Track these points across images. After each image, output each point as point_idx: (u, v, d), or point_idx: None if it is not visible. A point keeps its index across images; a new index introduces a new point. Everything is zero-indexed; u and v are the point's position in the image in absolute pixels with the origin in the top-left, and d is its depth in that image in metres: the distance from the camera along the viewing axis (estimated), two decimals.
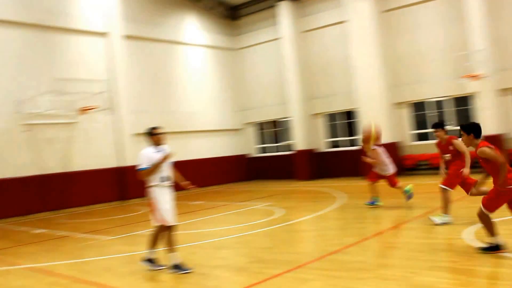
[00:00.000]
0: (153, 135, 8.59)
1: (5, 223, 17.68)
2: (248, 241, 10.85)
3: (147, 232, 11.74)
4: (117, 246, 11.44)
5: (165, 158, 8.34)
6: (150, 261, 8.62)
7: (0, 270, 9.81)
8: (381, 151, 13.52)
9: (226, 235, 11.65)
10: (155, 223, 8.51)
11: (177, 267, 8.23)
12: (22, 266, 9.95)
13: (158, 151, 8.46)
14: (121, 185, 21.95)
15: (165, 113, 24.77)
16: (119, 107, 22.46)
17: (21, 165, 19.18)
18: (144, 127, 21.74)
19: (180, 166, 24.42)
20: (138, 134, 22.97)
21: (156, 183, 8.42)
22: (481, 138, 8.03)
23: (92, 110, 19.75)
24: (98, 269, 9.25)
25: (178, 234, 12.19)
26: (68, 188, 20.23)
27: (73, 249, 11.52)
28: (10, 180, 18.84)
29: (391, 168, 13.60)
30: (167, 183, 8.56)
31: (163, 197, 8.42)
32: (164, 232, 8.48)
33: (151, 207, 8.45)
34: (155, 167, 8.30)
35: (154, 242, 8.64)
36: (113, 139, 22.10)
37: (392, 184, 13.61)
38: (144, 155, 8.34)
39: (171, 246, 8.40)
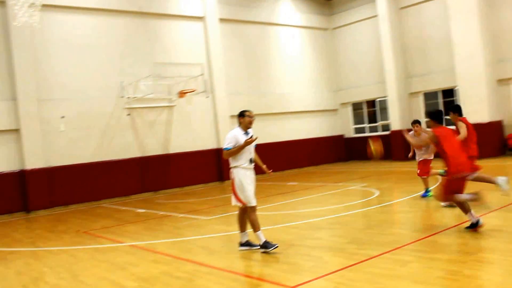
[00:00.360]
0: (244, 118, 8.73)
1: (109, 203, 18.53)
2: (345, 222, 10.77)
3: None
4: (215, 225, 11.68)
5: (250, 141, 8.40)
6: (246, 244, 8.80)
7: (105, 247, 10.31)
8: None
9: (322, 215, 11.62)
10: (235, 204, 8.66)
11: (265, 246, 8.37)
12: (125, 244, 10.38)
13: (245, 133, 8.60)
14: (219, 166, 22.39)
15: (260, 95, 24.98)
16: (216, 90, 22.85)
17: (124, 147, 19.99)
18: (239, 109, 22.06)
19: (275, 148, 24.77)
20: (234, 116, 23.42)
21: (241, 165, 8.56)
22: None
23: (190, 93, 20.19)
24: (197, 248, 9.48)
25: (275, 215, 12.36)
26: (167, 170, 20.88)
27: (173, 228, 11.87)
28: (114, 162, 19.67)
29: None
30: (251, 165, 8.67)
31: (246, 178, 8.56)
32: (246, 213, 8.63)
33: (234, 188, 8.59)
34: (239, 149, 8.44)
35: (242, 224, 8.81)
36: (210, 121, 22.55)
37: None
38: (232, 136, 8.53)
39: (255, 226, 8.53)
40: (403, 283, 6.14)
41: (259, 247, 8.54)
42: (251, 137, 8.51)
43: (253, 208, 8.55)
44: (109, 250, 10.00)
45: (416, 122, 12.92)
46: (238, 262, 8.09)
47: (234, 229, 10.59)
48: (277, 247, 8.35)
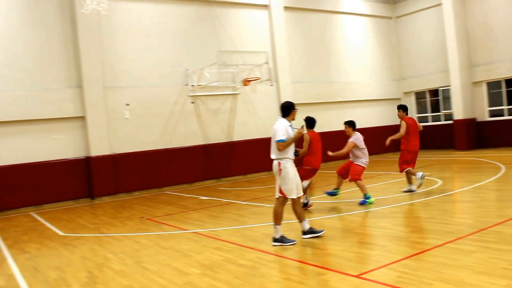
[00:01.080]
0: (293, 110, 8.73)
1: (173, 190, 18.80)
2: (408, 211, 10.62)
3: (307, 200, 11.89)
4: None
5: (300, 134, 8.42)
6: (310, 231, 8.79)
7: (169, 234, 10.47)
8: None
9: (385, 204, 11.46)
10: (277, 195, 8.64)
11: (312, 232, 8.73)
12: (189, 231, 10.51)
13: (290, 125, 8.59)
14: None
15: (323, 83, 24.82)
16: (280, 78, 22.81)
17: (187, 135, 20.23)
18: (303, 97, 21.98)
19: (340, 136, 24.62)
20: (298, 104, 23.32)
21: (289, 157, 8.56)
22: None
23: (255, 81, 20.21)
24: (261, 235, 9.50)
25: (338, 203, 12.28)
26: (230, 157, 21.01)
27: (236, 216, 11.95)
28: (178, 150, 19.93)
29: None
30: (294, 157, 8.70)
31: (293, 170, 8.57)
32: (285, 205, 8.68)
33: (281, 180, 8.54)
34: (292, 140, 8.47)
35: (298, 215, 8.81)
36: (274, 109, 22.53)
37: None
38: (283, 128, 8.48)
39: (301, 216, 8.70)
40: (466, 273, 6.07)
41: (321, 232, 8.72)
42: (302, 127, 8.56)
43: (298, 200, 8.63)
44: (172, 237, 10.14)
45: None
46: (302, 251, 8.07)
47: (295, 217, 10.57)
48: (323, 233, 8.72)
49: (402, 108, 13.57)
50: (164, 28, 20.14)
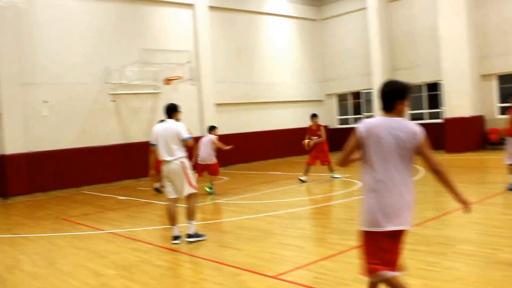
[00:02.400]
0: (177, 111, 9.05)
1: (90, 189, 18.34)
2: (327, 212, 10.78)
3: (227, 201, 11.90)
4: (200, 214, 11.56)
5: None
6: (197, 234, 8.86)
7: (85, 234, 10.22)
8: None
9: (305, 205, 11.60)
10: (190, 191, 8.77)
11: (197, 235, 8.81)
12: (105, 231, 10.29)
13: None
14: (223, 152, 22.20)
15: (247, 84, 24.88)
16: (202, 78, 22.69)
17: (107, 133, 19.79)
18: (225, 98, 21.99)
19: (261, 137, 24.76)
20: (220, 104, 23.31)
21: (184, 155, 8.77)
22: None
23: (177, 80, 20.03)
24: None
25: (257, 204, 12.33)
26: (150, 157, 20.66)
27: (154, 216, 11.82)
28: (97, 148, 19.49)
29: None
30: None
31: (190, 167, 8.88)
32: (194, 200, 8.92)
33: (187, 178, 8.68)
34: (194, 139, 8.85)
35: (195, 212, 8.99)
36: (196, 109, 22.42)
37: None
38: (184, 126, 8.74)
39: (194, 213, 8.89)
40: None
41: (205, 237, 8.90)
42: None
43: (196, 195, 8.99)
44: (88, 237, 9.91)
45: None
46: (219, 251, 8.04)
47: (213, 218, 10.57)
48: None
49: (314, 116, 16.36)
50: (85, 25, 19.60)
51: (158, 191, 15.54)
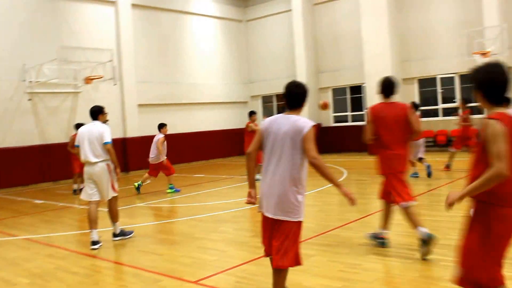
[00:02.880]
0: (102, 114, 9.15)
1: (5, 193, 17.54)
2: (250, 216, 10.70)
3: (147, 204, 11.63)
4: (121, 218, 11.21)
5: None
6: (122, 232, 9.06)
7: None
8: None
9: (228, 208, 11.50)
10: (113, 195, 8.84)
11: (123, 234, 9.01)
12: (19, 237, 9.82)
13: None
14: (124, 157, 21.77)
15: (171, 84, 24.54)
16: (125, 77, 22.21)
17: (24, 134, 19.00)
18: (149, 98, 21.69)
19: (184, 138, 24.50)
20: (142, 105, 22.88)
21: (109, 158, 8.75)
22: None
23: (98, 79, 19.48)
24: None
25: (180, 207, 12.13)
26: (70, 158, 19.98)
27: (73, 221, 11.43)
28: (13, 149, 18.68)
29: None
30: None
31: (113, 170, 8.82)
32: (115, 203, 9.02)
33: (111, 181, 8.79)
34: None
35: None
36: (118, 110, 21.90)
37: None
38: (109, 131, 8.77)
39: (116, 216, 9.02)
40: (304, 276, 6.22)
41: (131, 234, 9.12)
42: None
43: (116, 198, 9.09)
44: (0, 244, 9.40)
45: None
46: (140, 257, 7.81)
47: (134, 222, 10.30)
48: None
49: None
50: (0, 19, 18.79)
51: (76, 192, 15.63)
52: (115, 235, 8.94)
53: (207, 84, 26.55)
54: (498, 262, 3.76)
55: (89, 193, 8.74)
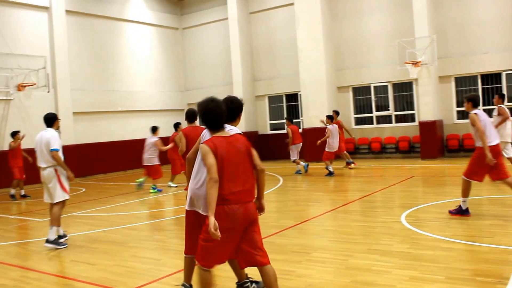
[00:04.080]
0: (57, 120, 9.47)
1: None
2: (183, 223, 10.64)
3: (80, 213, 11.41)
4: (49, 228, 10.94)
5: None
6: (56, 242, 9.02)
7: None
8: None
9: (164, 217, 11.44)
10: (61, 199, 9.06)
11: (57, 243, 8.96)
12: None
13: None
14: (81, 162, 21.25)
15: (107, 92, 24.18)
16: (59, 85, 21.72)
17: None
18: (83, 106, 21.27)
19: (120, 146, 24.16)
20: (78, 113, 22.46)
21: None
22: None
23: (30, 87, 18.99)
24: (27, 252, 9.01)
25: (114, 216, 11.95)
26: (2, 168, 19.41)
27: (2, 231, 11.08)
28: None
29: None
30: None
31: (63, 174, 9.14)
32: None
33: (58, 185, 9.04)
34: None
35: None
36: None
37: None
38: (57, 138, 9.03)
39: (57, 220, 9.14)
40: (232, 283, 6.20)
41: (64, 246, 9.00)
42: None
43: (60, 203, 9.24)
44: None
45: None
46: (71, 267, 7.69)
47: (72, 231, 10.11)
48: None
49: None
50: None
51: (14, 197, 16.17)
52: (48, 241, 8.92)
53: (143, 91, 26.32)
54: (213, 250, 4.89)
55: (45, 196, 9.28)
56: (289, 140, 18.21)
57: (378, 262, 6.76)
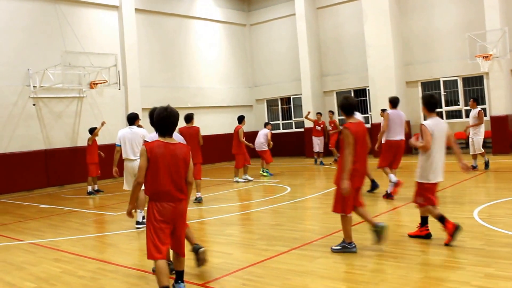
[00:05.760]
0: (138, 120, 10.92)
1: (11, 198, 17.52)
2: (256, 218, 10.66)
3: None
4: (124, 222, 11.12)
5: None
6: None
7: (2, 245, 9.64)
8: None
9: (234, 211, 11.45)
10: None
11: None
12: (25, 242, 9.76)
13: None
14: None
15: (176, 89, 24.53)
16: (129, 82, 22.18)
17: (28, 139, 18.95)
18: (153, 102, 21.60)
19: None
20: (147, 109, 22.76)
21: None
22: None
23: (102, 84, 19.45)
24: (103, 245, 9.20)
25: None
26: (75, 163, 19.96)
27: (79, 225, 11.35)
28: (17, 155, 18.65)
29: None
30: None
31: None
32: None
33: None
34: None
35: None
36: (122, 114, 21.83)
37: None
38: (146, 132, 10.59)
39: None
40: (310, 278, 6.22)
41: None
42: None
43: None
44: (6, 248, 9.34)
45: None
46: (146, 259, 7.73)
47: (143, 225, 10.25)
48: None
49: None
50: (4, 25, 18.78)
51: (93, 193, 16.67)
52: (138, 222, 10.09)
53: (211, 88, 26.54)
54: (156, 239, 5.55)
55: (125, 185, 10.59)
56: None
57: (451, 258, 6.65)
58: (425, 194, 7.37)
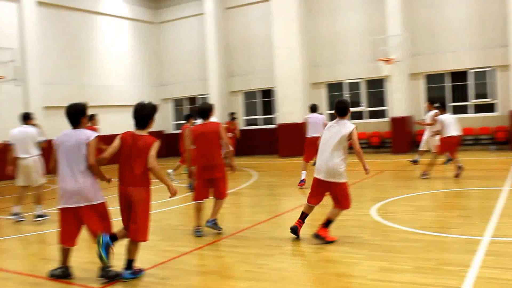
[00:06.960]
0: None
1: None
2: (158, 219, 10.58)
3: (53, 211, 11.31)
4: (20, 226, 10.71)
5: None
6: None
7: None
8: None
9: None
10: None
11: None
12: None
13: None
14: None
15: (79, 86, 23.84)
16: (29, 78, 21.36)
17: None
18: (55, 100, 21.01)
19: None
20: (49, 107, 22.11)
21: None
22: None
23: None
24: None
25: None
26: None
27: None
28: None
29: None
30: None
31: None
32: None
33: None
34: None
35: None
36: (20, 112, 20.87)
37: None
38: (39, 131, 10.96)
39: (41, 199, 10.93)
40: (212, 277, 6.34)
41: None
42: None
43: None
44: None
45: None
46: (40, 265, 7.55)
47: (44, 229, 9.98)
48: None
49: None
50: None
51: None
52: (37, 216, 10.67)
53: (117, 86, 26.10)
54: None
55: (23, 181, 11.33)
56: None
57: (349, 254, 6.91)
58: None
